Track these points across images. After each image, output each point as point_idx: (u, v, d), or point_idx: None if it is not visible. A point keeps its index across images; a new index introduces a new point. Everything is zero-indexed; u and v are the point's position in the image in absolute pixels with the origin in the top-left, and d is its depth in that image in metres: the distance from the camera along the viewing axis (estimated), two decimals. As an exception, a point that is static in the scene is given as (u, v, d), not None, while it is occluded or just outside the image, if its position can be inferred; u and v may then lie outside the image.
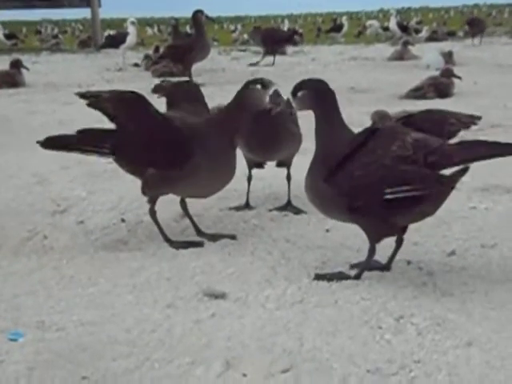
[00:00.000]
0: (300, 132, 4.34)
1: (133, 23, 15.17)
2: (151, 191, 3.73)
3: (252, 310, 3.01)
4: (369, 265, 3.30)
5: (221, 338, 2.74)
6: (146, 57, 14.81)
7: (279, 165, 4.52)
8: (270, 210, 4.37)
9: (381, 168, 2.99)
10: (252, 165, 4.43)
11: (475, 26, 19.22)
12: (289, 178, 4.44)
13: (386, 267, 3.38)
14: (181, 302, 3.10)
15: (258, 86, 3.61)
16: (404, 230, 3.27)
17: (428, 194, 2.99)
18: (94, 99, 3.76)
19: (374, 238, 3.22)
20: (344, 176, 3.09)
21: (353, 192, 3.07)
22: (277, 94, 3.74)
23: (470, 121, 3.28)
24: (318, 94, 3.38)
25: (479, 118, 3.33)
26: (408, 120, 3.24)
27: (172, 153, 3.55)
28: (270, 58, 15.05)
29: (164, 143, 3.57)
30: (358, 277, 3.29)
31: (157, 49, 15.70)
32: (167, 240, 3.82)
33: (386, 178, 2.99)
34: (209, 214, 4.35)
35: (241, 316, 2.94)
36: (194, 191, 3.77)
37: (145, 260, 3.61)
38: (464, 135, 6.54)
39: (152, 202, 3.80)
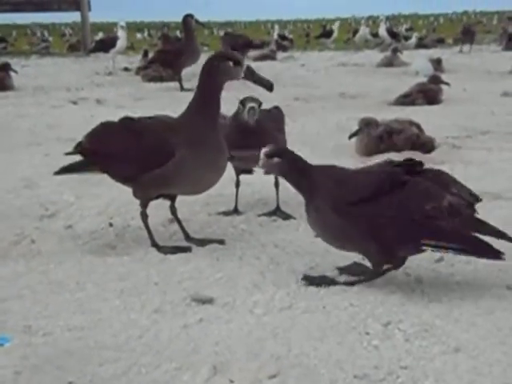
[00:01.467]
0: (285, 139, 4.38)
1: (122, 27, 15.15)
2: (143, 193, 3.74)
3: (240, 315, 3.00)
4: (366, 281, 3.31)
5: (208, 344, 2.73)
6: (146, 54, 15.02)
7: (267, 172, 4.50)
8: (259, 216, 4.37)
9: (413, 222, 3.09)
10: (239, 171, 4.44)
11: (468, 34, 19.49)
12: (277, 184, 4.44)
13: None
14: (168, 306, 3.09)
15: (230, 63, 3.65)
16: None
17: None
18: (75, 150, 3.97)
19: (378, 266, 3.26)
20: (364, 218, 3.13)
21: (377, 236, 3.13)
22: (253, 110, 4.10)
23: (470, 199, 3.28)
24: (290, 164, 3.35)
25: (479, 200, 3.38)
26: (417, 172, 3.27)
27: (153, 153, 3.59)
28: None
29: (142, 148, 3.63)
30: (349, 284, 3.30)
31: (145, 53, 15.70)
32: (155, 245, 3.81)
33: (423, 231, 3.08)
34: (197, 218, 4.35)
35: (228, 321, 2.93)
36: (188, 183, 3.71)
37: (132, 265, 3.60)
38: (453, 141, 6.59)
39: (144, 205, 3.80)
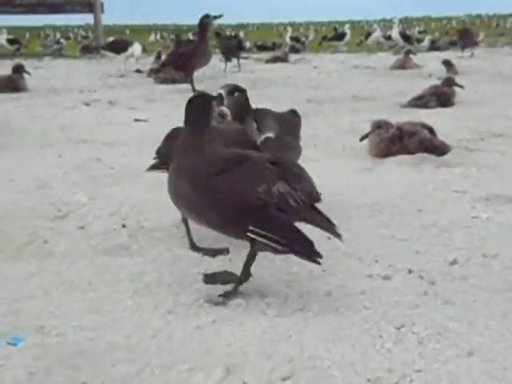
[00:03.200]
0: (300, 145, 4.36)
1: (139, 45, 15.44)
2: None
3: (252, 316, 2.99)
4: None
5: (221, 345, 2.73)
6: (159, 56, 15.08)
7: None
8: None
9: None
10: None
11: (465, 37, 18.63)
12: None
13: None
14: (181, 308, 3.09)
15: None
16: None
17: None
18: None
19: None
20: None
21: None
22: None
23: (309, 195, 3.25)
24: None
25: (318, 199, 3.41)
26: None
27: None
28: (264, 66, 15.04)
29: None
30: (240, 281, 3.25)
31: (159, 55, 15.74)
32: (193, 246, 3.79)
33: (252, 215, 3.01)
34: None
35: (241, 323, 2.93)
36: None
37: (145, 265, 3.60)
38: (466, 144, 6.56)
39: None
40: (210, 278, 3.38)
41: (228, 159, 3.13)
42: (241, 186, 3.03)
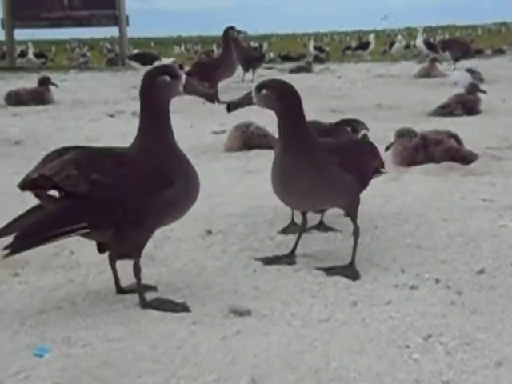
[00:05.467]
0: None
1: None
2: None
3: (278, 327, 2.98)
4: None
5: (246, 356, 2.71)
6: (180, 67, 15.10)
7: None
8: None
9: None
10: None
11: (453, 49, 17.38)
12: None
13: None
14: (206, 318, 3.08)
15: (167, 78, 3.26)
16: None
17: None
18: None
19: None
20: None
21: None
22: None
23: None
24: (281, 95, 3.43)
25: None
26: None
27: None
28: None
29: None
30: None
31: (180, 67, 15.84)
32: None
33: None
34: (234, 230, 4.34)
35: (266, 333, 2.91)
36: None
37: (171, 276, 3.61)
38: (493, 152, 6.50)
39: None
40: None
41: None
42: None
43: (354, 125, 4.14)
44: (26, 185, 2.97)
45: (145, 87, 3.28)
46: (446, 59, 19.52)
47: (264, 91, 3.47)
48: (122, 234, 3.07)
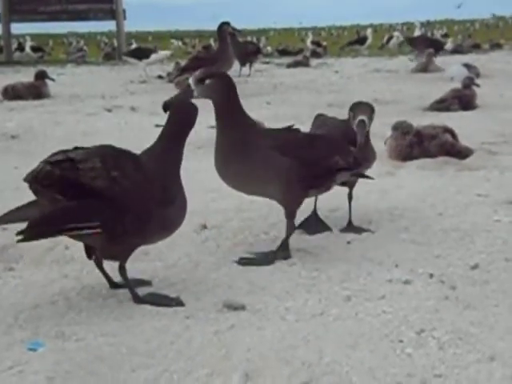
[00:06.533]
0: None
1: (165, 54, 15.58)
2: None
3: (271, 321, 2.99)
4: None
5: (240, 350, 2.72)
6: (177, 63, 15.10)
7: (343, 184, 4.20)
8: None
9: None
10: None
11: (420, 46, 17.11)
12: (350, 197, 4.32)
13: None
14: (200, 313, 3.09)
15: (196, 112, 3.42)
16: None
17: None
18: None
19: None
20: None
21: None
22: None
23: None
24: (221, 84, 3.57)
25: None
26: None
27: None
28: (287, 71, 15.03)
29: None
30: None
31: (177, 63, 15.78)
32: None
33: None
34: (230, 225, 4.34)
35: (260, 328, 2.92)
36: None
37: (165, 270, 3.61)
38: (489, 147, 6.51)
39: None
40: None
41: None
42: None
43: (354, 110, 4.05)
44: (38, 174, 2.95)
45: (179, 113, 3.40)
46: (442, 54, 19.49)
47: (208, 81, 3.57)
48: (120, 239, 3.08)
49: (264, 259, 3.72)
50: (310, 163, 3.64)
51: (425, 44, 17.22)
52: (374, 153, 4.32)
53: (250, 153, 3.56)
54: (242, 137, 3.58)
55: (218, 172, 3.70)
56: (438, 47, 17.25)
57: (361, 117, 3.94)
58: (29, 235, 2.91)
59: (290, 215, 3.73)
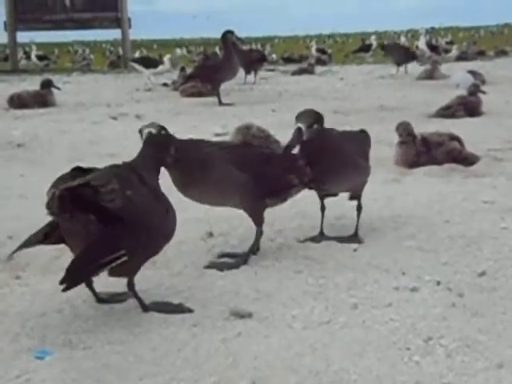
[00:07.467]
0: (368, 165, 4.26)
1: (170, 59, 15.55)
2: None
3: (278, 329, 2.98)
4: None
5: (247, 358, 2.72)
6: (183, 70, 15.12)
7: (351, 198, 4.28)
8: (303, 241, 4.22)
9: None
10: (322, 195, 4.22)
11: (394, 53, 17.27)
12: (359, 208, 4.28)
13: None
14: (207, 320, 3.08)
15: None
16: None
17: None
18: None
19: None
20: None
21: None
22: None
23: None
24: None
25: None
26: None
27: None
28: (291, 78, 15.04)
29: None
30: None
31: (182, 69, 15.82)
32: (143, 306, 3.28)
33: None
34: (236, 233, 4.34)
35: (267, 336, 2.91)
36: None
37: (171, 279, 3.61)
38: (495, 153, 6.50)
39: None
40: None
41: None
42: None
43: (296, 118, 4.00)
44: (58, 197, 3.04)
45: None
46: (448, 61, 19.53)
47: None
48: (136, 258, 3.08)
49: (232, 263, 3.79)
50: (264, 179, 3.79)
51: (398, 52, 17.38)
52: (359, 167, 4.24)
53: (209, 168, 3.66)
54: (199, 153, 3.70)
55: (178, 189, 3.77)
56: (410, 56, 17.39)
57: (298, 124, 3.90)
58: (70, 284, 2.89)
59: (257, 222, 3.89)
